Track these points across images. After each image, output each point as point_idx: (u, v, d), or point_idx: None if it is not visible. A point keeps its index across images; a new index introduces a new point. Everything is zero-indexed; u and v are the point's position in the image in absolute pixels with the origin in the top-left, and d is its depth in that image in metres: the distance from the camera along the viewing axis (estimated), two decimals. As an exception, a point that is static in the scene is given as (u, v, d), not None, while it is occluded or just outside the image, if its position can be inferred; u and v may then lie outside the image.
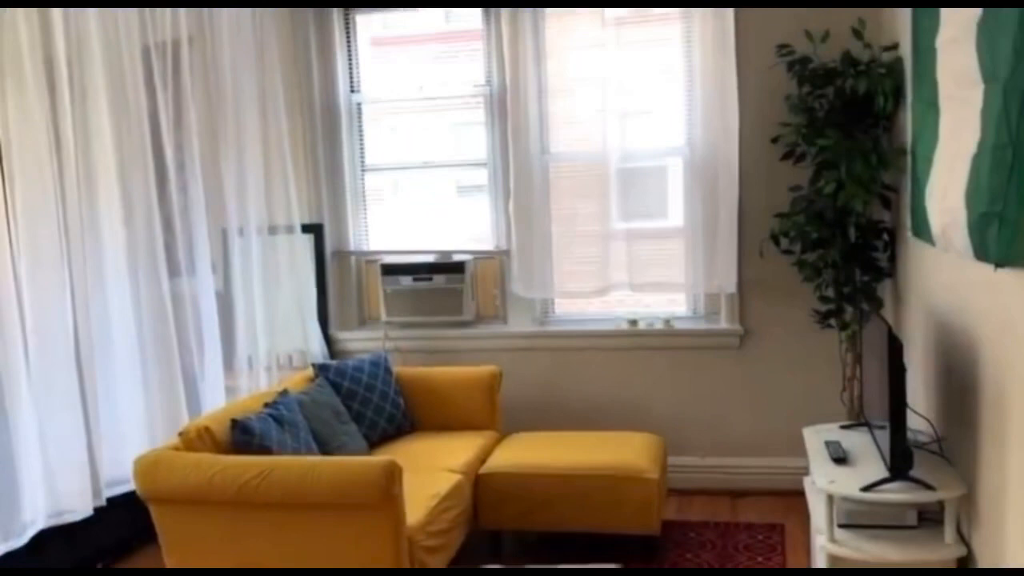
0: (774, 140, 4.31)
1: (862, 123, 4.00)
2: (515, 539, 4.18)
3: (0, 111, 3.33)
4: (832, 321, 4.16)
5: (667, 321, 4.73)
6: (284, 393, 3.72)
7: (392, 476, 3.06)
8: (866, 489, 2.84)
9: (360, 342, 5.09)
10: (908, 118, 3.61)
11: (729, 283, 4.52)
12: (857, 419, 4.19)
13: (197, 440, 3.32)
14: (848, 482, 2.91)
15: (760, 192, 4.48)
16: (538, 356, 4.88)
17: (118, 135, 3.86)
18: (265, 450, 3.33)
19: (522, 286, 4.78)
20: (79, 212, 3.66)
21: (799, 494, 4.49)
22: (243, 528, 3.19)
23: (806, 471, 4.46)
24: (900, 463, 2.81)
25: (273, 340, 4.78)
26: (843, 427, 3.53)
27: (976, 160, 2.48)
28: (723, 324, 4.67)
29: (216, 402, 4.36)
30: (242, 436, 3.33)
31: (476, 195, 5.01)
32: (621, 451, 4.01)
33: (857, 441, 3.30)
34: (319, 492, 3.07)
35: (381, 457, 3.13)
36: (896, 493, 2.82)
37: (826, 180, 3.94)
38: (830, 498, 2.92)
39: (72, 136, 3.63)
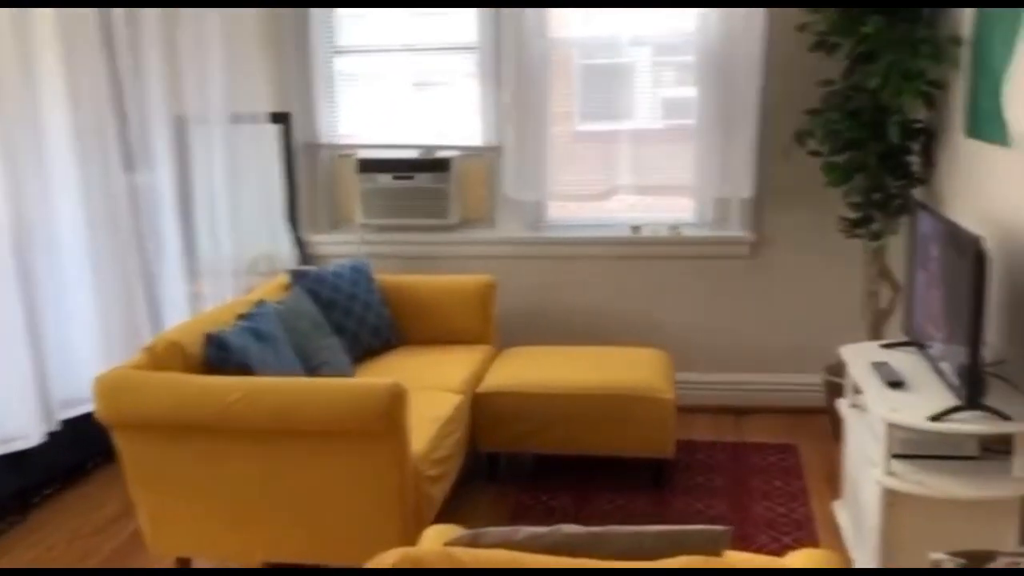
0: (801, 28, 3.89)
1: (903, 11, 3.59)
2: (510, 462, 3.87)
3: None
4: (860, 231, 3.82)
5: (673, 228, 4.36)
6: (261, 303, 3.28)
7: (399, 401, 2.68)
8: (936, 419, 2.55)
9: (333, 246, 4.63)
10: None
11: (744, 187, 4.15)
12: (877, 336, 3.92)
13: (166, 356, 2.88)
14: (911, 410, 2.61)
15: (784, 87, 4.07)
16: (530, 264, 4.49)
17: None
18: (244, 368, 2.91)
19: (515, 187, 4.35)
20: (12, 89, 3.10)
21: (807, 412, 4.29)
22: (223, 457, 2.79)
23: (815, 388, 4.23)
24: (975, 390, 2.52)
25: (239, 242, 4.30)
26: (885, 346, 3.23)
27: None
28: (734, 231, 4.32)
29: (178, 310, 3.91)
30: (218, 352, 2.91)
31: (464, 84, 4.51)
32: (630, 368, 3.69)
33: (908, 363, 3.00)
34: (314, 418, 2.68)
35: (384, 379, 2.74)
36: (969, 424, 2.53)
37: (868, 73, 3.55)
38: (889, 427, 2.62)
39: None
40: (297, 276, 3.78)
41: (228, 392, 2.71)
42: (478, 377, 3.70)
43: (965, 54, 3.29)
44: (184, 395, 2.72)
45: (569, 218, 4.59)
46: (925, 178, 3.79)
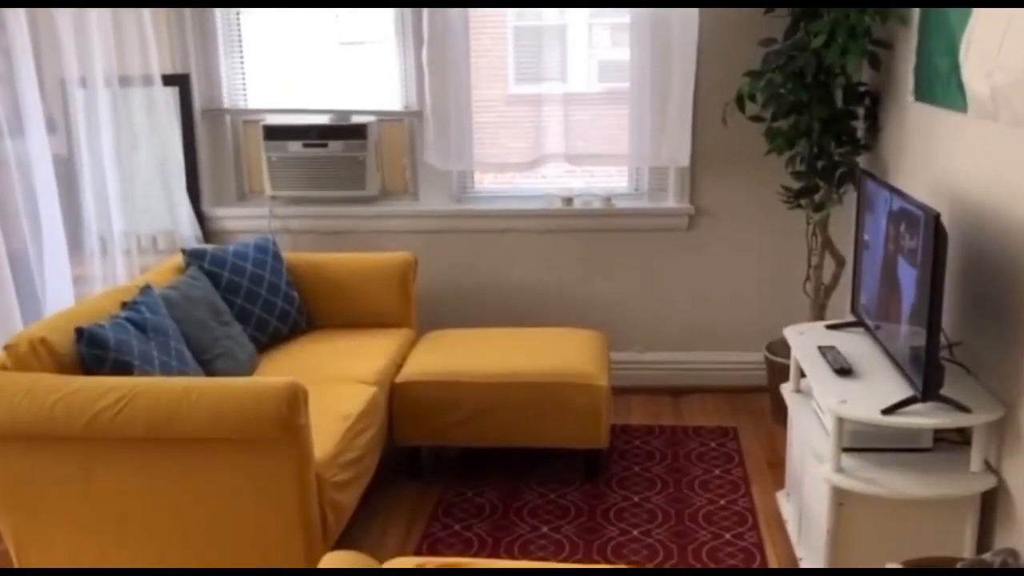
0: (741, -16, 3.63)
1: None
2: (433, 456, 3.59)
3: None
4: (803, 201, 3.60)
5: (607, 199, 4.09)
6: (146, 290, 2.92)
7: (296, 403, 2.36)
8: (889, 412, 2.33)
9: (239, 220, 4.26)
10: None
11: (682, 154, 3.88)
12: (821, 312, 3.72)
13: (30, 355, 2.51)
14: (863, 402, 2.39)
15: (722, 48, 3.80)
16: (455, 239, 4.18)
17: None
18: (124, 367, 2.57)
19: (438, 156, 4.02)
20: None
21: (746, 391, 4.09)
22: (97, 470, 2.45)
23: (755, 367, 4.03)
24: (932, 380, 2.30)
25: (132, 217, 3.91)
26: (831, 327, 3.01)
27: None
28: (670, 203, 4.06)
29: (61, 295, 3.51)
30: (91, 349, 2.55)
31: (381, 43, 4.15)
32: (561, 352, 3.42)
33: (857, 346, 2.78)
34: (198, 424, 2.35)
35: (279, 378, 2.42)
36: (925, 417, 2.32)
37: (813, 31, 3.30)
38: (839, 421, 2.40)
39: None
40: (192, 256, 3.42)
41: (99, 396, 2.37)
42: (396, 365, 3.40)
43: (914, 11, 3.05)
44: (48, 401, 2.37)
45: (497, 189, 4.28)
46: (870, 144, 3.57)
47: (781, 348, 3.76)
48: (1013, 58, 2.24)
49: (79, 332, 2.55)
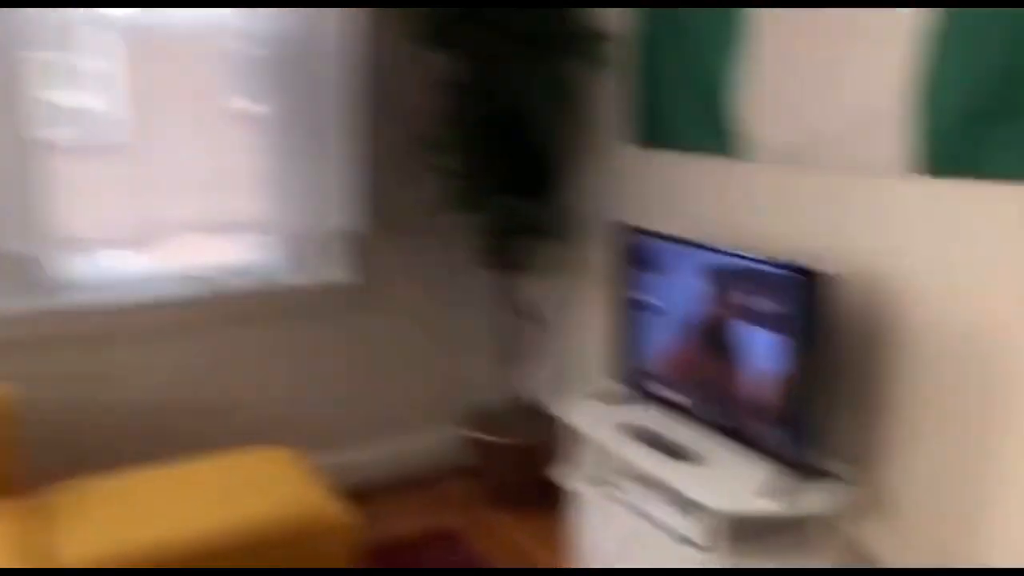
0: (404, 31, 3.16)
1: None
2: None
3: None
4: (499, 259, 3.23)
5: (241, 276, 3.23)
6: None
7: None
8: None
9: None
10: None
11: (347, 216, 3.23)
12: (508, 378, 3.41)
13: None
14: (729, 491, 2.11)
15: (380, 90, 3.26)
16: (34, 357, 2.93)
17: None
18: None
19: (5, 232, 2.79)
20: None
21: (433, 478, 3.57)
22: None
23: (434, 448, 3.55)
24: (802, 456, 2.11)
25: None
26: (597, 398, 2.69)
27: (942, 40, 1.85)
28: (329, 275, 3.37)
29: None
30: None
31: None
32: (267, 487, 2.55)
33: (658, 423, 2.49)
34: None
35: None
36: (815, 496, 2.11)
37: (498, 75, 2.95)
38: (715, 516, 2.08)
39: None
40: None
41: None
42: (42, 556, 2.22)
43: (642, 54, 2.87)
44: None
45: (87, 275, 3.13)
46: (547, 196, 3.32)
47: (482, 423, 3.32)
48: (847, 100, 2.13)
49: None
